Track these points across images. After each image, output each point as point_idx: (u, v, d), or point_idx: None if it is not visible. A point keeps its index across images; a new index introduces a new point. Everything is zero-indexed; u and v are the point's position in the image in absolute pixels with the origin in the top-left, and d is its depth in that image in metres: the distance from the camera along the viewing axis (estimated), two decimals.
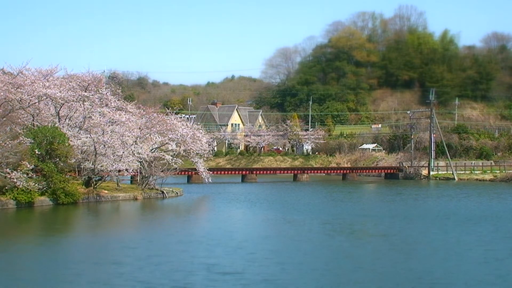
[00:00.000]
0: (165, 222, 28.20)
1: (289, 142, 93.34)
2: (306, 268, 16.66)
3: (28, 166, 31.97)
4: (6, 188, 31.99)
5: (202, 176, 45.92)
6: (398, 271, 16.37)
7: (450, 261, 17.88)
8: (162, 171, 41.62)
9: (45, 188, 33.50)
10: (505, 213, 32.13)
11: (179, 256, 18.26)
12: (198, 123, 54.62)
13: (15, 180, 31.36)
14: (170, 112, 45.81)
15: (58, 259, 18.19)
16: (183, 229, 25.70)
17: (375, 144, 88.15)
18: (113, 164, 37.68)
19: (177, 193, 42.85)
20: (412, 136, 78.87)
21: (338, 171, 74.45)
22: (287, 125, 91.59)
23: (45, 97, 37.34)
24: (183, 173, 54.41)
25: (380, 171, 74.33)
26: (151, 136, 42.28)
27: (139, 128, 41.59)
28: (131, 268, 16.54)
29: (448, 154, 71.44)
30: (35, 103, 37.31)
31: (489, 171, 70.88)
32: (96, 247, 20.38)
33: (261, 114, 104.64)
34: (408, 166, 72.35)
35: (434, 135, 73.50)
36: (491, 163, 75.66)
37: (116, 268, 16.50)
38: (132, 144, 39.80)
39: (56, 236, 23.36)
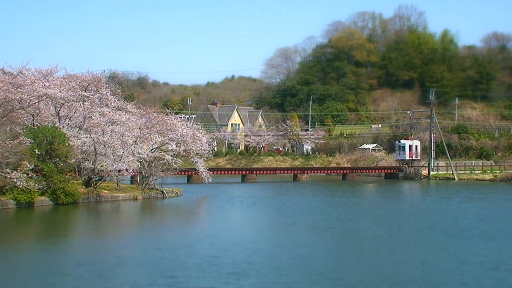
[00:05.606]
0: (163, 225, 28.04)
1: (289, 142, 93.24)
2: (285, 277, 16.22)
3: (28, 166, 31.99)
4: (6, 188, 32.01)
5: (202, 176, 45.92)
6: None
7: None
8: (162, 171, 41.60)
9: (45, 188, 33.51)
10: None
11: (156, 266, 17.52)
12: (198, 123, 54.59)
13: (15, 180, 31.37)
14: (170, 112, 45.79)
15: (40, 266, 17.74)
16: (178, 231, 25.49)
17: (375, 144, 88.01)
18: (113, 164, 37.70)
19: (177, 193, 42.84)
20: (412, 136, 78.79)
21: (338, 171, 74.33)
22: (287, 125, 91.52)
23: (45, 97, 37.35)
24: (183, 173, 54.37)
25: (380, 171, 74.23)
26: (151, 136, 42.28)
27: (139, 128, 41.60)
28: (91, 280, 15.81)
29: (448, 154, 71.37)
30: (35, 103, 37.31)
31: (489, 171, 70.78)
32: (79, 255, 19.79)
33: (261, 114, 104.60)
34: (408, 166, 72.30)
35: (434, 135, 73.42)
36: (491, 163, 75.56)
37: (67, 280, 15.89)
38: (132, 144, 39.80)
39: (50, 240, 23.04)
